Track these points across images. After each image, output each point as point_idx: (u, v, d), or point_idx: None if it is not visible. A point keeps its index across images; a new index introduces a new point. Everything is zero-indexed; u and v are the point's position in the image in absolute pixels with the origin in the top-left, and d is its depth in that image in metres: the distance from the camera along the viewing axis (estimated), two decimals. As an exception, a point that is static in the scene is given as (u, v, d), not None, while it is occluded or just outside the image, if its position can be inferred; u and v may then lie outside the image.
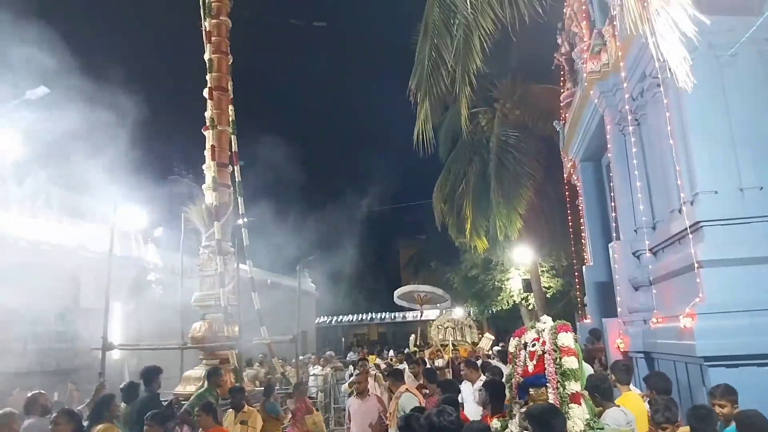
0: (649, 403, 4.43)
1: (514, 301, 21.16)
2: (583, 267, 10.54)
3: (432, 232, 25.02)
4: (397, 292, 20.50)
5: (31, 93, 11.70)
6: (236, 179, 9.70)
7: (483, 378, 6.65)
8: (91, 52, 16.44)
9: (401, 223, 40.68)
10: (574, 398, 3.44)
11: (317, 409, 8.31)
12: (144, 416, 5.17)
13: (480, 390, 5.10)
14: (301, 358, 12.90)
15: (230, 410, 6.43)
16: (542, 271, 19.60)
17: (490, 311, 24.10)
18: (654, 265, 7.14)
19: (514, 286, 21.00)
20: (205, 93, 9.56)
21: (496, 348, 13.72)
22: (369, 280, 40.32)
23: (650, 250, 7.22)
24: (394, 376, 6.98)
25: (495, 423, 3.99)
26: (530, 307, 20.17)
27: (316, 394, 12.18)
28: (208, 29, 9.67)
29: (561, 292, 19.49)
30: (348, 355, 22.87)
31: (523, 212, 16.34)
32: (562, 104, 11.15)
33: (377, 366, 11.81)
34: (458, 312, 23.01)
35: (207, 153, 9.40)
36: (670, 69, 3.91)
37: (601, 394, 4.15)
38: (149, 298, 13.97)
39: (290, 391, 8.55)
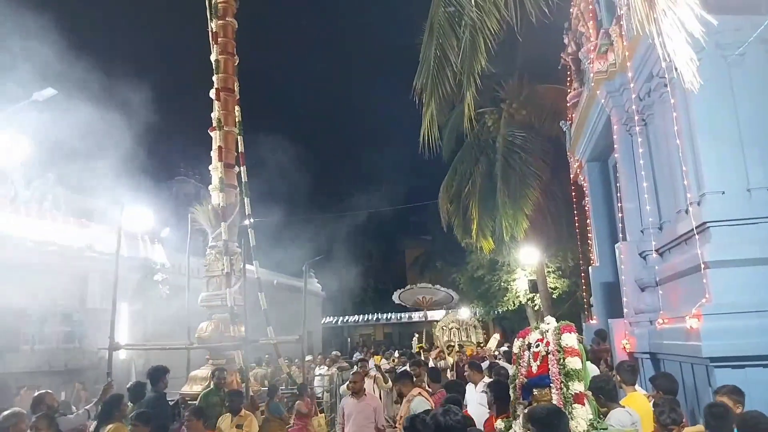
0: (654, 404, 4.42)
1: (520, 301, 21.09)
2: (590, 267, 10.51)
3: (438, 232, 25.01)
4: (396, 293, 20.41)
5: (39, 95, 11.75)
6: (243, 180, 9.73)
7: (486, 379, 6.63)
8: (99, 54, 16.57)
9: (407, 223, 40.61)
10: (578, 398, 3.42)
11: (322, 410, 8.32)
12: (152, 416, 5.21)
13: (484, 391, 5.09)
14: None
15: (227, 414, 6.32)
16: (548, 271, 19.55)
17: (496, 312, 24.04)
18: (660, 265, 7.12)
19: (520, 286, 20.93)
20: (212, 94, 9.58)
21: (502, 349, 13.70)
22: (375, 281, 40.36)
23: (657, 250, 7.19)
24: (405, 379, 6.59)
25: (499, 423, 4.00)
26: (536, 308, 20.10)
27: (322, 395, 12.21)
28: (214, 30, 9.70)
29: (567, 293, 19.43)
30: (354, 355, 22.85)
31: (529, 213, 16.29)
32: (568, 104, 11.11)
33: (378, 367, 11.81)
34: (464, 312, 22.97)
35: (213, 154, 9.41)
36: (676, 69, 3.90)
37: (605, 395, 4.14)
38: (156, 298, 14.02)
39: (296, 391, 8.58)
